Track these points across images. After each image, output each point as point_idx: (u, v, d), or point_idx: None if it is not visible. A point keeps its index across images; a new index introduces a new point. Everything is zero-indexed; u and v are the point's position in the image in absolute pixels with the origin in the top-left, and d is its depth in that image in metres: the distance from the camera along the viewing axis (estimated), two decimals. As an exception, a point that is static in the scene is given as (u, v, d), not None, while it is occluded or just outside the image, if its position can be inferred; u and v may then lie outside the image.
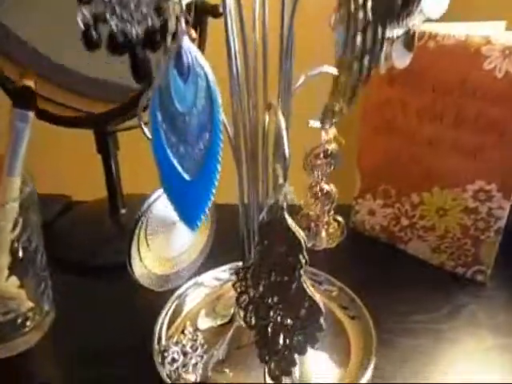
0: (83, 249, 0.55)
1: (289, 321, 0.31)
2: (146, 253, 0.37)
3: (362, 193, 0.60)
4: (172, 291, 0.47)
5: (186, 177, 0.26)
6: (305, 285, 0.29)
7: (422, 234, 0.56)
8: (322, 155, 0.39)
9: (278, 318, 0.32)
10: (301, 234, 0.29)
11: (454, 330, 0.45)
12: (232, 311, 0.43)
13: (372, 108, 0.55)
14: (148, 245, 0.37)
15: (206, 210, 0.28)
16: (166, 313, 0.44)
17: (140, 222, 0.35)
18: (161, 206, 0.36)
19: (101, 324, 0.46)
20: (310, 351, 0.39)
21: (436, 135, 0.51)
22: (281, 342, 0.33)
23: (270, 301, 0.32)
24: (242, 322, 0.40)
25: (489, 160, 0.48)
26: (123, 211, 0.59)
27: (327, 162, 0.40)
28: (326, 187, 0.41)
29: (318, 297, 0.29)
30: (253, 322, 0.34)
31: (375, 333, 0.42)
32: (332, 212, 0.42)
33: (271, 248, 0.30)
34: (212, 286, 0.49)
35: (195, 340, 0.42)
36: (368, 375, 0.38)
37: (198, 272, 0.49)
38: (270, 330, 0.33)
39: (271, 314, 0.32)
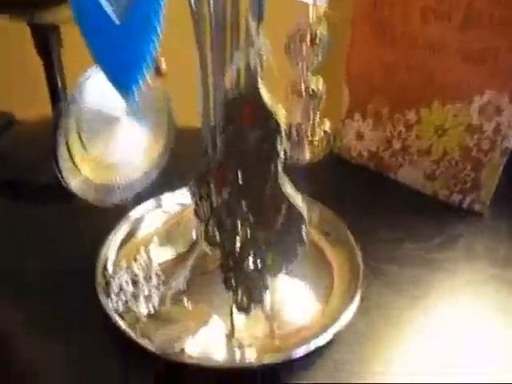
0: (24, 166, 0.47)
1: (261, 234, 0.24)
2: (82, 156, 0.29)
3: (350, 112, 0.53)
4: (125, 214, 0.39)
5: (115, 19, 0.18)
6: (282, 184, 0.22)
7: (415, 158, 0.49)
8: (308, 39, 0.31)
9: (248, 232, 0.25)
10: (279, 114, 0.21)
11: (450, 260, 0.40)
12: (194, 236, 0.36)
13: (366, 7, 0.47)
14: (84, 146, 0.29)
15: (144, 70, 0.20)
16: (115, 235, 0.37)
17: (69, 111, 0.26)
18: (97, 94, 0.28)
19: (38, 248, 0.39)
20: (285, 279, 0.33)
21: (441, 39, 0.43)
22: (251, 262, 0.26)
23: (237, 207, 0.25)
24: (205, 246, 0.34)
25: (502, 67, 0.40)
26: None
27: (314, 51, 0.32)
28: (312, 85, 0.33)
29: (298, 199, 0.22)
30: (217, 238, 0.27)
31: (362, 261, 0.36)
32: (318, 118, 0.34)
33: (239, 135, 0.22)
34: (172, 211, 0.41)
35: (149, 268, 0.35)
36: (353, 307, 0.32)
37: (156, 193, 0.42)
38: (237, 247, 0.26)
39: (239, 226, 0.25)
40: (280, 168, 0.21)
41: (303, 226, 0.23)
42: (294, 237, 0.23)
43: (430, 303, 0.35)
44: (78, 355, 0.30)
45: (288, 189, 0.22)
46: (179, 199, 0.41)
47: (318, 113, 0.34)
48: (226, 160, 0.24)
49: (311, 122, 0.34)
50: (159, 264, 0.35)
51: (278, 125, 0.20)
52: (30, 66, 0.49)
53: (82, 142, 0.29)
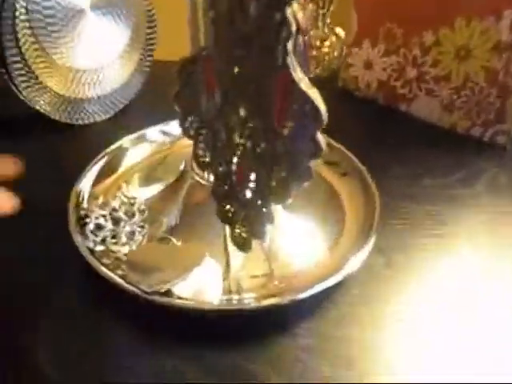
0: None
1: (263, 146, 0.19)
2: (40, 59, 0.23)
3: (357, 38, 0.46)
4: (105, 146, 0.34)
5: None
6: (293, 72, 0.17)
7: (432, 86, 0.43)
8: None
9: (248, 143, 0.20)
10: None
11: (472, 195, 0.35)
12: (181, 167, 0.31)
13: None
14: (41, 46, 0.23)
15: None
16: (92, 169, 0.32)
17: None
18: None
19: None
20: (288, 213, 0.28)
21: None
22: (251, 185, 0.21)
23: (233, 114, 0.19)
24: (194, 172, 0.28)
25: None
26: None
27: None
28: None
29: (315, 95, 0.17)
30: (207, 157, 0.22)
31: (377, 192, 0.31)
32: (328, 20, 0.28)
33: (235, 6, 0.17)
34: (158, 143, 0.36)
35: (132, 204, 0.30)
36: (368, 247, 0.27)
37: (140, 126, 0.36)
38: (234, 167, 0.21)
39: (236, 138, 0.20)
40: (291, 49, 0.16)
41: (319, 131, 0.17)
42: (307, 147, 0.18)
43: (452, 241, 0.31)
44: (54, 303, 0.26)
45: (301, 79, 0.17)
46: (167, 129, 0.36)
47: (329, 14, 0.28)
48: (217, 46, 0.18)
49: (320, 24, 0.28)
50: (145, 200, 0.30)
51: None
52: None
53: (38, 42, 0.23)
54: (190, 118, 0.21)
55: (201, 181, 0.28)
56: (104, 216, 0.28)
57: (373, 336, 0.24)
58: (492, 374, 0.23)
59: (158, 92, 0.45)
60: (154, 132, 0.36)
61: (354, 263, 0.26)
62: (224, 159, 0.21)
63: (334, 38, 0.28)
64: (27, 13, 0.22)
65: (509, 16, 0.37)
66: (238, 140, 0.20)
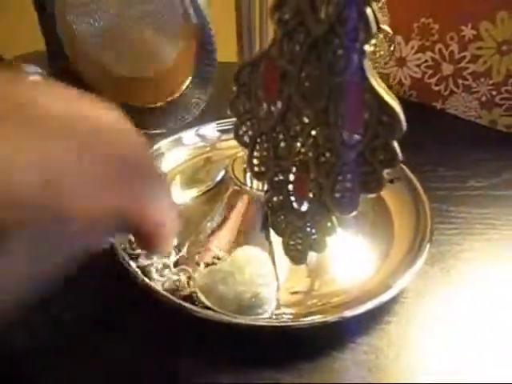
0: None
1: (329, 156, 0.18)
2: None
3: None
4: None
5: None
6: (370, 76, 0.15)
7: (470, 83, 0.42)
8: None
9: (310, 153, 0.19)
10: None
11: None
12: (222, 174, 0.30)
13: None
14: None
15: None
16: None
17: None
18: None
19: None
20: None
21: None
22: (310, 195, 0.20)
23: (296, 121, 0.18)
24: (236, 179, 0.27)
25: None
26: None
27: None
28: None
29: (394, 99, 0.16)
30: (262, 165, 0.21)
31: (426, 200, 0.29)
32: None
33: (305, 7, 0.15)
34: (195, 146, 0.35)
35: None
36: (422, 258, 0.26)
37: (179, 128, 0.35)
38: (292, 176, 0.20)
39: (297, 146, 0.19)
40: (367, 51, 0.15)
41: (396, 138, 0.16)
42: (380, 156, 0.17)
43: (507, 245, 0.29)
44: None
45: (378, 84, 0.15)
46: (205, 132, 0.35)
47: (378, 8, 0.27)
48: (283, 49, 0.17)
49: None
50: (181, 204, 0.29)
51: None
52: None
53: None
54: (245, 126, 0.20)
55: (242, 187, 0.27)
56: None
57: (434, 346, 0.23)
58: None
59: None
60: (190, 135, 0.35)
61: (411, 273, 0.24)
62: (282, 169, 0.20)
63: (381, 36, 0.27)
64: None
65: (556, 8, 0.35)
66: (299, 149, 0.19)
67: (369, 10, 0.14)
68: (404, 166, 0.32)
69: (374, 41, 0.27)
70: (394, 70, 0.46)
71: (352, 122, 0.16)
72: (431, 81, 0.44)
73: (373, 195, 0.18)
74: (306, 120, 0.18)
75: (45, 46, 0.39)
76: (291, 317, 0.24)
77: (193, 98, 0.34)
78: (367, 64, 0.15)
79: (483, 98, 0.42)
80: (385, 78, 0.47)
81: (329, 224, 0.20)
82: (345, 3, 0.14)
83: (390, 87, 0.47)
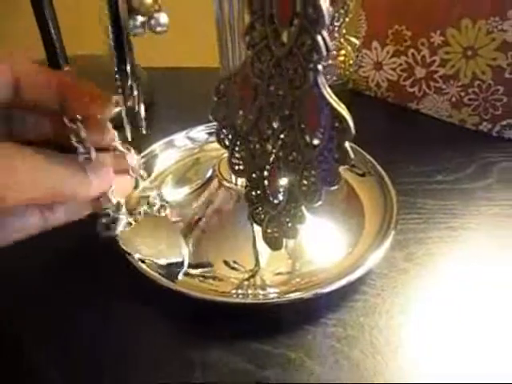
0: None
1: (295, 155, 0.21)
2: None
3: (367, 40, 0.48)
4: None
5: None
6: (323, 90, 0.19)
7: (440, 85, 0.45)
8: None
9: (280, 153, 0.22)
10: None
11: (484, 188, 0.37)
12: (210, 173, 0.33)
13: None
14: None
15: None
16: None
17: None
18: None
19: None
20: (310, 216, 0.30)
21: None
22: (282, 189, 0.23)
23: (267, 127, 0.21)
24: (222, 177, 0.31)
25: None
26: (66, 68, 0.47)
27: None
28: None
29: (342, 108, 0.19)
30: (241, 165, 0.24)
31: (393, 190, 0.33)
32: (344, 31, 0.30)
33: (270, 31, 0.19)
34: (186, 148, 0.38)
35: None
36: (388, 242, 0.29)
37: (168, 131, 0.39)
38: (266, 173, 0.23)
39: (269, 148, 0.22)
40: (321, 68, 0.18)
41: (347, 140, 0.20)
42: (335, 155, 0.20)
43: (466, 233, 0.33)
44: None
45: (330, 96, 0.19)
46: (194, 135, 0.38)
47: (344, 26, 0.30)
48: (253, 68, 0.20)
49: (336, 35, 0.30)
50: (174, 201, 0.32)
51: (320, 10, 0.17)
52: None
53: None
54: (225, 130, 0.23)
55: (228, 185, 0.31)
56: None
57: (397, 324, 0.26)
58: None
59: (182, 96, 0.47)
60: (181, 138, 0.38)
61: (376, 257, 0.28)
62: (257, 167, 0.23)
63: (349, 47, 0.30)
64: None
65: (513, 16, 0.38)
66: (270, 150, 0.22)
67: (319, 37, 0.17)
68: (375, 162, 0.35)
69: (343, 51, 0.30)
70: (372, 73, 0.50)
71: (312, 127, 0.20)
72: (406, 83, 0.48)
73: (333, 188, 0.21)
74: (275, 125, 0.21)
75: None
76: (276, 295, 0.27)
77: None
78: (321, 80, 0.18)
79: (453, 99, 0.45)
80: (364, 80, 0.50)
81: (299, 214, 0.24)
82: (300, 31, 0.18)
83: (369, 89, 0.50)
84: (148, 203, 0.30)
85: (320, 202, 0.22)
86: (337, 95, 0.19)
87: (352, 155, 0.19)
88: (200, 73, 0.43)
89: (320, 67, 0.18)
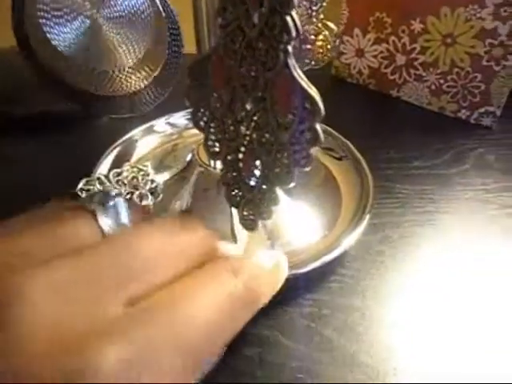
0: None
1: (268, 136, 0.22)
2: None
3: (348, 28, 0.48)
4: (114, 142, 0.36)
5: None
6: (294, 71, 0.19)
7: (420, 73, 0.46)
8: None
9: (254, 135, 0.22)
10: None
11: (461, 173, 0.38)
12: (189, 157, 0.33)
13: None
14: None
15: None
16: (104, 159, 0.34)
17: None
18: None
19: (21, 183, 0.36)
20: (288, 200, 0.31)
21: None
22: (256, 172, 0.24)
23: (240, 108, 0.22)
24: (201, 161, 0.31)
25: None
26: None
27: None
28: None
29: (313, 90, 0.19)
30: (217, 147, 0.24)
31: (370, 174, 0.33)
32: (321, 16, 0.30)
33: (241, 13, 0.19)
34: (166, 133, 0.38)
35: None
36: (364, 224, 0.30)
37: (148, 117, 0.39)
38: (241, 155, 0.24)
39: (242, 129, 0.22)
40: (291, 49, 0.18)
41: (318, 123, 0.20)
42: (307, 136, 0.20)
43: (441, 217, 0.34)
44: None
45: (301, 78, 0.19)
46: (174, 121, 0.38)
47: (321, 10, 0.30)
48: (226, 50, 0.20)
49: (314, 20, 0.30)
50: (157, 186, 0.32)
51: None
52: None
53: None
54: (200, 113, 0.23)
55: (207, 168, 0.31)
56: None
57: (373, 305, 0.27)
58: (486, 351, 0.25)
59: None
60: (161, 124, 0.38)
61: (352, 239, 0.28)
62: (232, 149, 0.23)
63: (326, 32, 0.30)
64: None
65: (491, 4, 0.39)
66: (244, 131, 0.22)
67: (289, 18, 0.18)
68: (352, 147, 0.36)
69: (321, 36, 0.31)
70: (354, 61, 0.50)
71: (283, 108, 0.20)
72: (387, 70, 0.48)
73: (306, 169, 0.21)
74: (249, 107, 0.21)
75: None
76: None
77: (153, 93, 0.37)
78: (292, 61, 0.19)
79: (432, 86, 0.46)
80: (346, 67, 0.51)
81: (274, 195, 0.24)
82: (270, 12, 0.18)
83: (350, 76, 0.51)
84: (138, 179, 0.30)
85: (293, 184, 0.23)
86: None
87: (322, 136, 0.20)
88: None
89: (290, 48, 0.18)
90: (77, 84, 0.35)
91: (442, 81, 0.45)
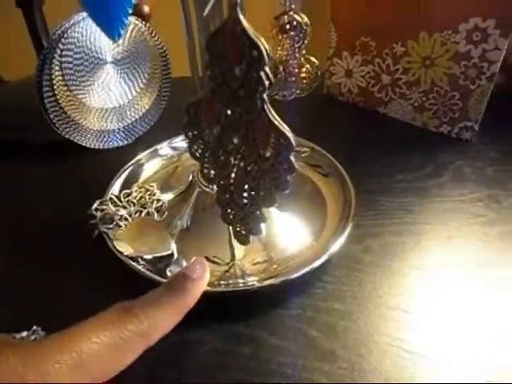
0: (13, 128, 0.47)
1: (253, 166, 0.26)
2: (71, 102, 0.30)
3: (338, 50, 0.52)
4: (122, 165, 0.40)
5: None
6: (269, 114, 0.23)
7: (404, 91, 0.49)
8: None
9: (241, 164, 0.26)
10: (262, 42, 0.21)
11: (439, 186, 0.41)
12: (190, 178, 0.37)
13: None
14: (69, 88, 0.29)
15: (127, 9, 0.20)
16: (115, 182, 0.38)
17: (51, 51, 0.26)
18: (81, 38, 0.28)
19: (34, 206, 0.40)
20: (278, 212, 0.35)
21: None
22: (245, 194, 0.28)
23: (228, 143, 0.26)
24: (201, 183, 0.35)
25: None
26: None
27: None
28: (297, 17, 0.33)
29: (286, 129, 0.23)
30: (211, 174, 0.28)
31: (353, 188, 0.37)
32: (304, 51, 0.34)
33: (225, 68, 0.23)
34: (168, 156, 0.43)
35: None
36: (345, 235, 0.33)
37: (154, 141, 0.43)
38: (232, 181, 0.28)
39: (231, 160, 0.26)
40: (266, 97, 0.22)
41: (292, 155, 0.24)
42: (284, 166, 0.24)
43: (421, 227, 0.37)
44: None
45: (275, 119, 0.23)
46: (175, 144, 0.43)
47: (304, 47, 0.34)
48: (214, 96, 0.24)
49: (297, 55, 0.34)
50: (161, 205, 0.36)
51: (261, 52, 0.21)
52: (13, 26, 0.49)
53: (70, 92, 0.29)
54: (196, 145, 0.27)
55: (206, 189, 0.35)
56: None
57: (352, 308, 0.31)
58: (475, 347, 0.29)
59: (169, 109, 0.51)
60: (164, 147, 0.43)
61: (334, 248, 0.32)
62: (224, 176, 0.27)
63: (308, 66, 0.34)
64: (61, 68, 0.28)
65: (463, 29, 0.43)
66: (233, 161, 0.26)
67: (262, 73, 0.22)
68: (337, 163, 0.40)
69: (304, 69, 0.35)
70: (344, 80, 0.54)
71: (263, 143, 0.24)
72: (374, 89, 0.52)
73: (285, 192, 0.25)
74: (236, 141, 0.25)
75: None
76: (255, 282, 0.31)
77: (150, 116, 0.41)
78: (267, 106, 0.23)
79: (416, 104, 0.49)
80: (337, 86, 0.55)
81: (260, 214, 0.28)
82: (247, 68, 0.22)
83: (341, 94, 0.54)
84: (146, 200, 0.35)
85: (276, 205, 0.27)
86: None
87: (296, 166, 0.24)
88: (176, 82, 0.46)
89: (265, 96, 0.22)
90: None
91: (424, 98, 0.48)
